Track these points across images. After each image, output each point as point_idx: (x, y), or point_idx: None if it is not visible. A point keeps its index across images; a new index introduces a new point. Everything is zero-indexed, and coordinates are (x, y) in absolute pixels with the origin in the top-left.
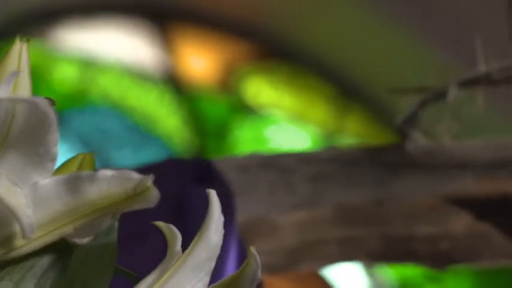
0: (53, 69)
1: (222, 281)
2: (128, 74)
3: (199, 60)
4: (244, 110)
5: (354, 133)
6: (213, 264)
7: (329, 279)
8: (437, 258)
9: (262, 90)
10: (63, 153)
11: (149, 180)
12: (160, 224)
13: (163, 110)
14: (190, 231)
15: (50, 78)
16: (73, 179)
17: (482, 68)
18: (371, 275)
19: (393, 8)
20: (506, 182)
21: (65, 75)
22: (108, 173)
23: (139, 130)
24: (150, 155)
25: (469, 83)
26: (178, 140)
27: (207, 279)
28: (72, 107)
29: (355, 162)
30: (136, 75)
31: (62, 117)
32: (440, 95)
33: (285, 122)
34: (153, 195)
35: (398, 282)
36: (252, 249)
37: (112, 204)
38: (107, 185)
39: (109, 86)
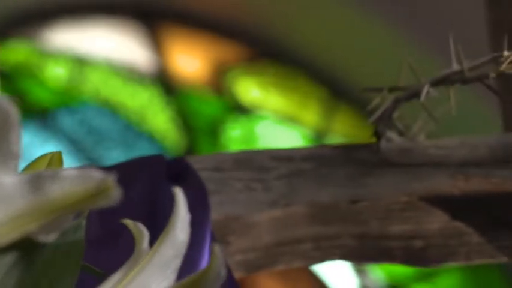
0: (44, 69)
1: (186, 279)
2: (118, 74)
3: (190, 60)
4: (234, 110)
5: (343, 134)
6: (179, 262)
7: (319, 278)
8: (412, 256)
9: (252, 90)
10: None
11: (111, 178)
12: (128, 222)
13: (154, 109)
14: (163, 230)
15: (42, 77)
16: (36, 177)
17: (455, 66)
18: (361, 273)
19: (382, 7)
20: (480, 181)
21: (56, 74)
22: (70, 171)
23: (130, 129)
24: (141, 154)
25: (442, 82)
26: (169, 139)
27: (173, 276)
28: (63, 105)
29: (330, 160)
30: (127, 74)
31: (53, 116)
32: (414, 93)
33: (275, 123)
34: (115, 194)
35: (387, 281)
36: (216, 249)
37: (75, 202)
38: (70, 183)
39: (100, 85)
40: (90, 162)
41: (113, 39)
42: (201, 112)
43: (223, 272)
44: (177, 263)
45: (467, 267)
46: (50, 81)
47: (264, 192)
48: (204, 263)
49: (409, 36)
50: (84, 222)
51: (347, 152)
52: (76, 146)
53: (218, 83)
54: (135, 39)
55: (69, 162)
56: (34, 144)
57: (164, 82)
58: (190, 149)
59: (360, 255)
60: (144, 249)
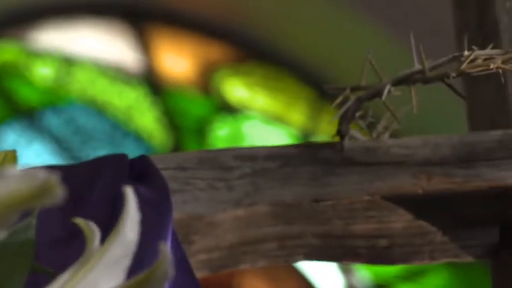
0: (32, 68)
1: (134, 278)
2: (105, 73)
3: (177, 60)
4: (221, 110)
5: (330, 134)
6: (128, 261)
7: (306, 278)
8: (377, 256)
9: (239, 90)
10: (39, 152)
11: (55, 178)
12: (80, 221)
13: (141, 109)
14: None
15: (29, 76)
16: None
17: (417, 66)
18: (347, 273)
19: (369, 8)
20: (443, 180)
21: (43, 74)
22: (15, 171)
23: (117, 129)
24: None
25: (403, 81)
26: (156, 139)
27: (122, 275)
28: (50, 105)
29: (293, 159)
30: (114, 74)
31: (40, 115)
32: (376, 93)
33: (262, 123)
34: (59, 193)
35: (374, 280)
36: (163, 247)
37: (19, 201)
38: (14, 182)
39: (87, 85)
40: (77, 161)
41: (100, 39)
42: (188, 112)
43: (170, 271)
44: (126, 262)
45: (454, 267)
46: (37, 81)
47: (228, 191)
48: None
49: (397, 37)
50: (34, 221)
51: (310, 151)
52: (63, 145)
53: (205, 83)
54: (122, 39)
55: (55, 162)
56: (20, 144)
57: (151, 82)
58: (177, 149)
59: (325, 254)
60: (95, 249)
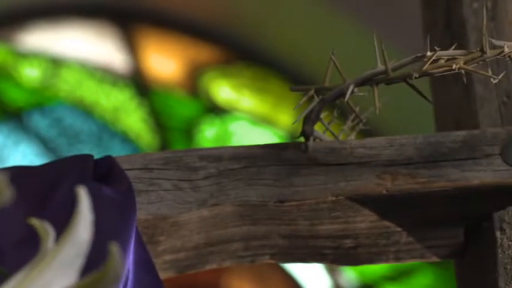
0: (19, 69)
1: (85, 278)
2: (93, 75)
3: (165, 61)
4: (209, 111)
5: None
6: (82, 261)
7: (293, 278)
8: (343, 256)
9: (227, 92)
10: (26, 153)
11: (2, 179)
12: (34, 221)
13: (128, 110)
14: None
15: (17, 78)
16: None
17: (380, 66)
18: (334, 273)
19: (358, 9)
20: (407, 180)
21: (31, 75)
22: None
23: (105, 130)
24: (115, 154)
25: (366, 82)
26: (144, 140)
27: (75, 275)
28: (38, 106)
29: (258, 160)
30: (102, 75)
31: (28, 117)
32: (339, 94)
33: (250, 124)
34: (7, 194)
35: (360, 280)
36: (114, 248)
37: None
38: None
39: (75, 86)
40: None
41: (88, 40)
42: (176, 113)
43: (121, 272)
44: (79, 261)
45: (440, 267)
46: (25, 82)
47: (193, 191)
48: (128, 263)
49: (387, 37)
50: None
51: (275, 151)
52: (50, 146)
53: (193, 85)
54: (109, 40)
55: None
56: (7, 145)
57: (139, 83)
58: (165, 150)
59: (291, 255)
60: (49, 249)
